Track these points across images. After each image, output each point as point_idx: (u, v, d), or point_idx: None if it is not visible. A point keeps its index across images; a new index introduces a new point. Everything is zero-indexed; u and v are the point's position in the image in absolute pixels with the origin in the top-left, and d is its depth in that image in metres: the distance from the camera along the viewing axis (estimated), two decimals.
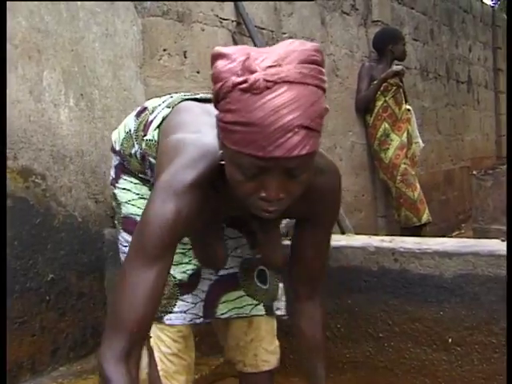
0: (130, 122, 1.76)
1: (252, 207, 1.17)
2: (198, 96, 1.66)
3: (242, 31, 3.60)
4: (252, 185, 1.12)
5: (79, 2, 2.63)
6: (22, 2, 2.39)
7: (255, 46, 3.50)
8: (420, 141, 5.01)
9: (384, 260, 2.00)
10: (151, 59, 2.99)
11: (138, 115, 1.73)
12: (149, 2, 2.97)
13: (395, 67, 4.74)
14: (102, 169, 2.71)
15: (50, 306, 2.46)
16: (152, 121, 1.62)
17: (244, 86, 1.03)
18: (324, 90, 1.09)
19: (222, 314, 1.68)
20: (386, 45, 4.81)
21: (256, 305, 1.70)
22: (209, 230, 1.53)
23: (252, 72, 1.03)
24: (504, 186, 4.11)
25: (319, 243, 1.49)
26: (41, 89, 2.47)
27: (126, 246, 1.71)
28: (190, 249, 1.63)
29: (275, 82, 1.02)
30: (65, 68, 2.56)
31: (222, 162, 1.18)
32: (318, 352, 1.56)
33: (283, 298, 1.76)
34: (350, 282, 2.01)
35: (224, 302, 1.68)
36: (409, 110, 4.93)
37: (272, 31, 3.90)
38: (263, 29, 3.81)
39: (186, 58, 3.20)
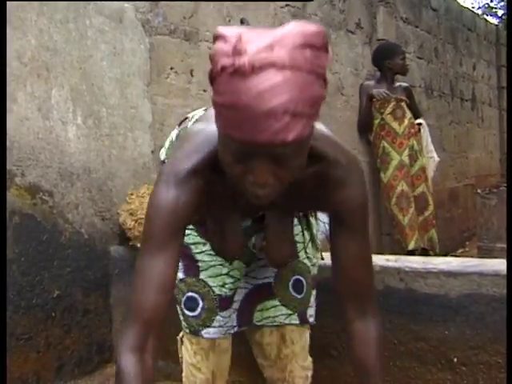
0: (173, 133, 1.79)
1: (244, 191, 1.15)
2: None
3: None
4: (240, 167, 1.10)
5: (88, 21, 2.66)
6: (32, 21, 2.42)
7: None
8: (435, 155, 4.95)
9: (389, 279, 2.00)
10: (158, 77, 3.02)
11: (180, 124, 1.76)
12: (156, 21, 3.01)
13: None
14: (108, 186, 2.73)
15: (56, 323, 2.47)
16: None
17: (231, 68, 0.99)
18: (321, 75, 1.03)
19: (258, 321, 1.71)
20: (383, 61, 4.73)
21: (290, 314, 1.71)
22: (225, 218, 1.51)
23: (241, 55, 0.99)
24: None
25: (354, 251, 1.38)
26: (49, 106, 2.49)
27: None
28: (228, 261, 1.64)
29: (262, 67, 0.98)
30: (73, 86, 2.59)
31: None
32: (369, 377, 1.39)
33: (314, 304, 1.77)
34: None
35: (259, 311, 1.71)
36: (420, 123, 4.88)
37: None
38: None
39: (192, 76, 3.23)
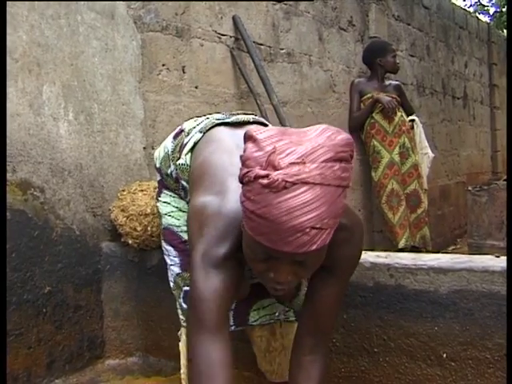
0: (168, 143, 1.82)
1: (262, 281, 1.24)
2: (229, 120, 1.69)
3: (241, 47, 3.63)
4: (262, 265, 1.18)
5: (79, 17, 2.66)
6: (24, 17, 2.42)
7: (253, 61, 3.53)
8: (429, 151, 4.94)
9: (379, 275, 2.01)
10: (150, 74, 3.02)
11: (175, 137, 1.80)
12: (148, 18, 3.01)
13: (384, 99, 4.60)
14: (100, 182, 2.73)
15: (47, 319, 2.47)
16: (186, 144, 1.67)
17: (264, 181, 1.06)
18: (346, 186, 1.11)
19: (255, 320, 1.74)
20: (374, 58, 4.74)
21: (287, 311, 1.76)
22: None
23: (275, 168, 1.06)
24: (499, 201, 4.14)
25: (332, 295, 1.48)
26: (40, 102, 2.49)
27: (167, 256, 1.83)
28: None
29: (294, 183, 1.05)
30: (64, 82, 2.59)
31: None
32: None
33: None
34: (345, 298, 2.02)
35: (255, 310, 1.73)
36: (413, 120, 4.88)
37: (270, 47, 3.93)
38: (261, 44, 3.84)
39: (184, 73, 3.23)
